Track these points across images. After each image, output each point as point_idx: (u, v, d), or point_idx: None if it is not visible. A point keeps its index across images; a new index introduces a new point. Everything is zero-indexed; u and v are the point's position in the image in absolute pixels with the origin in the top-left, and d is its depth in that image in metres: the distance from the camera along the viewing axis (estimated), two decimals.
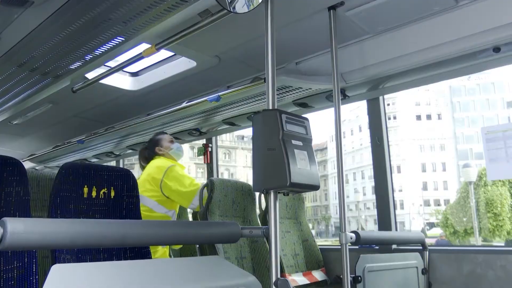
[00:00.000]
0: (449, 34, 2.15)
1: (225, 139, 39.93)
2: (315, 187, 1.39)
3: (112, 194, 2.00)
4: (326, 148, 45.80)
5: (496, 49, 2.13)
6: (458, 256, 2.50)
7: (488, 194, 18.52)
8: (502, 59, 2.24)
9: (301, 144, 1.37)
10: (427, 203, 38.05)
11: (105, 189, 1.99)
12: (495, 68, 2.37)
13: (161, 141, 3.10)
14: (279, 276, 1.31)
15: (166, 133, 3.25)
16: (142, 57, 2.24)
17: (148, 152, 3.15)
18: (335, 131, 2.08)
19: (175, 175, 2.80)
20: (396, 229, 2.92)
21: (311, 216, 44.45)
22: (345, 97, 2.76)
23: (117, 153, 4.71)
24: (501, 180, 18.63)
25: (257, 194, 2.99)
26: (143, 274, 1.06)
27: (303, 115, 1.51)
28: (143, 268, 1.08)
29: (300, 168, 1.32)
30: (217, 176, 3.98)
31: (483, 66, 2.33)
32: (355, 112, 43.65)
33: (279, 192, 1.39)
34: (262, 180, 1.33)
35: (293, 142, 1.34)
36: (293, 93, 2.77)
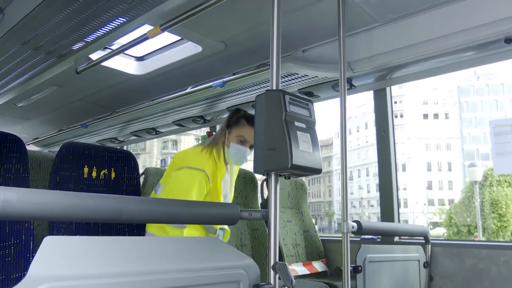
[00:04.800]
0: (459, 23, 2.10)
1: None
2: (317, 171, 1.36)
3: (113, 175, 1.99)
4: (331, 144, 45.71)
5: (508, 40, 2.08)
6: (461, 250, 2.47)
7: (493, 195, 18.40)
8: None
9: (304, 126, 1.34)
10: (431, 203, 37.93)
11: (106, 170, 1.97)
12: (506, 60, 2.31)
13: (233, 126, 2.26)
14: (277, 260, 1.28)
15: (249, 119, 2.26)
16: (146, 38, 2.21)
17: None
18: (340, 120, 2.05)
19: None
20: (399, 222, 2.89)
21: (315, 211, 44.47)
22: (351, 87, 2.72)
23: (121, 139, 4.70)
24: (507, 181, 18.49)
25: (259, 182, 2.97)
26: (138, 250, 1.03)
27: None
28: (139, 244, 1.06)
29: (302, 150, 1.29)
30: None
31: (493, 57, 2.28)
32: (362, 109, 43.52)
33: (280, 175, 1.36)
34: (263, 161, 1.30)
35: (296, 124, 1.31)
36: (299, 81, 2.73)
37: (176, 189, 2.01)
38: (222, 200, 2.13)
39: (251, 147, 2.18)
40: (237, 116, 2.27)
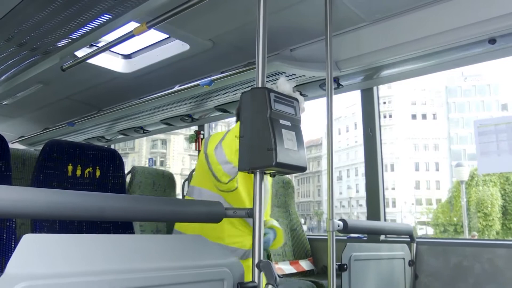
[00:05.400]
0: (445, 24, 2.12)
1: (220, 130, 39.79)
2: (301, 169, 1.36)
3: (98, 173, 1.97)
4: (321, 144, 45.87)
5: (492, 41, 2.11)
6: (446, 248, 2.49)
7: (479, 194, 18.64)
8: (498, 52, 2.22)
9: (289, 124, 1.34)
10: (419, 202, 38.25)
11: (90, 168, 1.95)
12: (490, 60, 2.34)
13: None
14: (262, 258, 1.28)
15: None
16: (133, 35, 2.19)
17: None
18: (326, 119, 2.05)
19: None
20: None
21: (304, 211, 44.59)
22: (338, 86, 2.73)
23: (109, 138, 4.66)
24: (492, 180, 18.74)
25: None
26: (119, 249, 1.02)
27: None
28: (120, 242, 1.05)
29: (287, 148, 1.29)
30: None
31: (478, 58, 2.31)
32: (351, 109, 43.72)
33: (265, 173, 1.36)
34: (248, 159, 1.30)
35: (281, 121, 1.31)
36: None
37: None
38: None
39: None
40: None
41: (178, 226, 1.96)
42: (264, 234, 1.89)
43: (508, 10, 1.93)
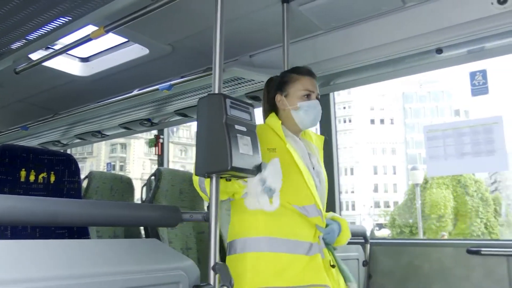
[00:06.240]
0: (397, 34, 2.22)
1: (182, 136, 39.47)
2: (256, 172, 1.40)
3: (52, 179, 1.93)
4: None
5: (439, 51, 2.23)
6: (398, 249, 2.60)
7: (433, 196, 19.40)
8: (444, 61, 2.35)
9: (245, 129, 1.38)
10: (377, 205, 39.28)
11: (45, 173, 1.91)
12: (438, 69, 2.47)
13: (288, 84, 1.79)
14: (217, 260, 1.30)
15: (301, 69, 1.84)
16: (90, 39, 2.17)
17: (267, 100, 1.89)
18: None
19: None
20: None
21: None
22: None
23: (65, 142, 4.55)
24: (445, 183, 19.57)
25: None
26: (74, 254, 1.02)
27: (255, 108, 1.50)
28: (75, 248, 1.05)
29: (242, 153, 1.33)
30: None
31: (427, 67, 2.44)
32: None
33: (221, 177, 1.39)
34: (204, 163, 1.33)
35: (237, 127, 1.35)
36: (246, 86, 2.78)
37: None
38: (307, 174, 1.67)
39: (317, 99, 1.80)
40: (285, 75, 1.84)
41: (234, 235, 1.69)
42: (326, 225, 1.70)
43: (453, 23, 2.05)
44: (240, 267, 1.59)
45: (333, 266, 1.67)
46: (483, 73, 2.41)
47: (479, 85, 2.39)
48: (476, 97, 2.44)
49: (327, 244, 1.70)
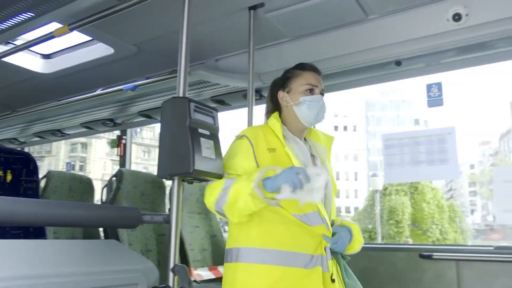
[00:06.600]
0: (359, 44, 2.29)
1: (145, 137, 38.89)
2: (218, 176, 1.42)
3: (9, 177, 1.88)
4: None
5: (398, 63, 2.33)
6: (356, 253, 2.67)
7: (391, 203, 19.94)
8: (403, 73, 2.45)
9: (208, 133, 1.40)
10: (338, 210, 39.99)
11: (1, 172, 1.86)
12: (397, 80, 2.58)
13: (291, 79, 1.76)
14: (177, 262, 1.31)
15: (304, 65, 1.80)
16: (53, 37, 2.12)
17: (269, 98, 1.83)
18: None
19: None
20: None
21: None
22: (261, 97, 2.83)
23: (22, 140, 4.41)
24: (404, 190, 20.18)
25: (168, 187, 2.96)
26: (30, 254, 1.01)
27: (219, 111, 1.52)
28: (30, 248, 1.03)
29: (205, 156, 1.35)
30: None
31: (386, 77, 2.54)
32: None
33: (183, 180, 1.40)
34: (167, 166, 1.34)
35: (200, 130, 1.37)
36: (211, 89, 2.79)
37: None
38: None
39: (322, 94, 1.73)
40: (289, 71, 1.81)
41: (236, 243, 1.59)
42: (333, 234, 1.59)
43: (412, 36, 2.14)
44: (231, 277, 1.54)
45: (333, 281, 1.54)
46: (439, 85, 2.52)
47: (434, 96, 2.51)
48: (432, 108, 2.55)
49: (335, 254, 1.60)
